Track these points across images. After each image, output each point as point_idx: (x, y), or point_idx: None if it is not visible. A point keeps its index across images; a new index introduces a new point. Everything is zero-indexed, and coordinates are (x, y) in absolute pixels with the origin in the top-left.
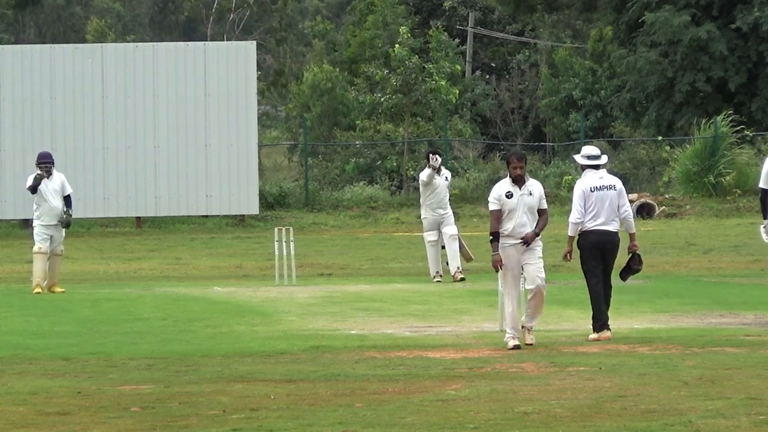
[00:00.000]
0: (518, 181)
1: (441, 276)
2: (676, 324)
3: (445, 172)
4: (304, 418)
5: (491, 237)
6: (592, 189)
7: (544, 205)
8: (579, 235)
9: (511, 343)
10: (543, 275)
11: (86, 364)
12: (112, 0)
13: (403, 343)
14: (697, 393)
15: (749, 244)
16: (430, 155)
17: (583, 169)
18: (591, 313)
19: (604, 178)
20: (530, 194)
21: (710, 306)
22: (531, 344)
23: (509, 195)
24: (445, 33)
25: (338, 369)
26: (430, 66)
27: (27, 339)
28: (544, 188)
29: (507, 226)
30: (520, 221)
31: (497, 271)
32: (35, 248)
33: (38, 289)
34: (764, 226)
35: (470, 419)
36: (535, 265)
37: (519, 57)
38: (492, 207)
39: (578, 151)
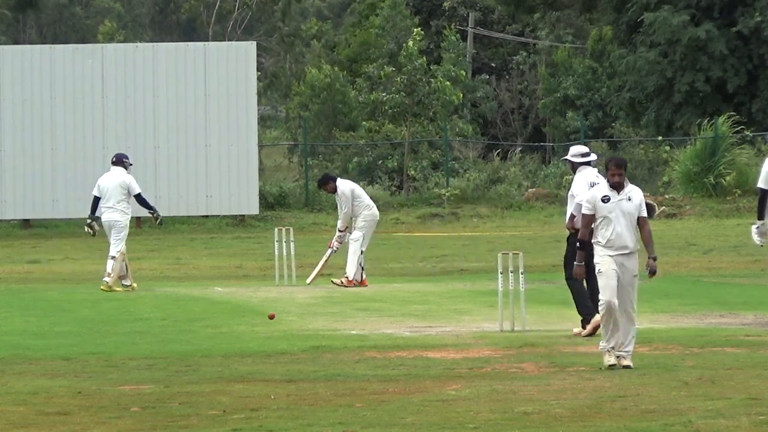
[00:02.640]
0: (616, 188)
1: (344, 282)
2: (676, 324)
3: (338, 192)
4: (304, 418)
5: (579, 244)
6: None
7: (645, 213)
8: (576, 230)
9: (607, 360)
10: (633, 304)
11: (86, 364)
12: (112, 0)
13: (403, 343)
14: (697, 393)
15: (749, 244)
16: (321, 186)
17: (575, 167)
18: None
19: (599, 176)
20: (629, 200)
21: (710, 306)
22: (628, 366)
23: (606, 199)
24: (458, 35)
25: (338, 369)
26: (435, 68)
27: (27, 339)
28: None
29: (604, 235)
30: (618, 231)
31: (578, 280)
32: (123, 248)
33: (119, 288)
34: (757, 227)
35: (470, 419)
36: (626, 290)
37: (518, 57)
38: (584, 211)
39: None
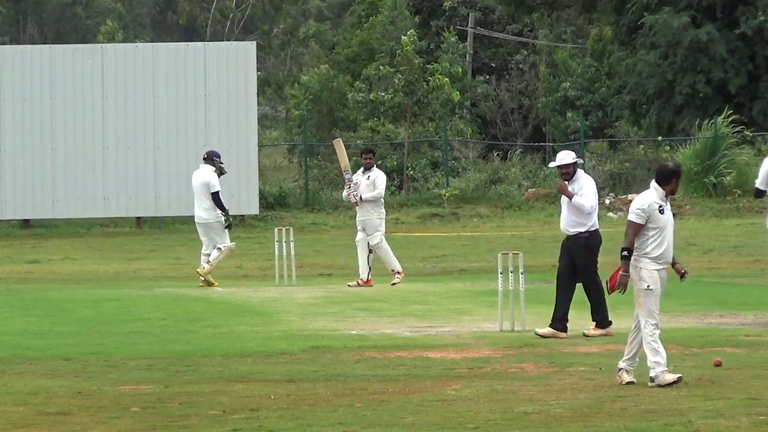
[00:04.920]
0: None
1: (360, 283)
2: (676, 324)
3: (373, 173)
4: (304, 418)
5: (624, 252)
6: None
7: None
8: (590, 234)
9: (670, 377)
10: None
11: (86, 364)
12: (113, 0)
13: (403, 343)
14: (697, 393)
15: (749, 244)
16: (363, 154)
17: (576, 171)
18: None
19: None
20: (670, 210)
21: (710, 306)
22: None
23: (662, 210)
24: (456, 36)
25: (338, 369)
26: (433, 66)
27: (27, 339)
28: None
29: (657, 250)
30: (669, 244)
31: (622, 292)
32: (232, 246)
33: (215, 282)
34: None
35: (470, 419)
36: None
37: (518, 57)
38: (636, 219)
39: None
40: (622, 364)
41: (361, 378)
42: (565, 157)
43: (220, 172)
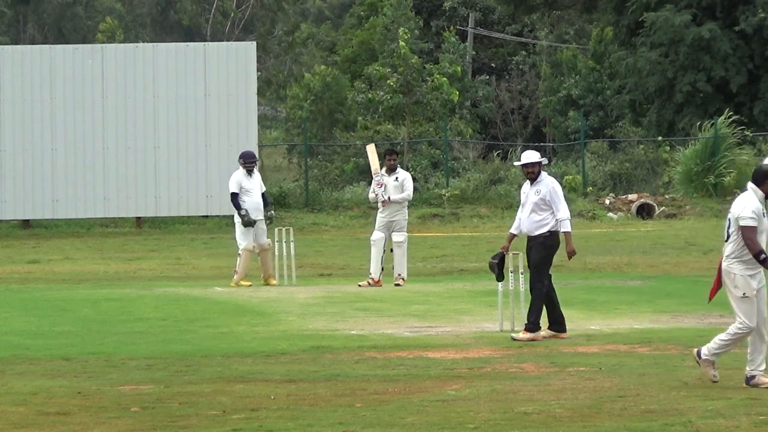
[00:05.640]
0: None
1: (371, 283)
2: (676, 324)
3: (400, 174)
4: (304, 418)
5: (762, 255)
6: None
7: None
8: (550, 234)
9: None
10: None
11: (86, 364)
12: (113, 0)
13: (403, 343)
14: (697, 393)
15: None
16: (387, 155)
17: (540, 171)
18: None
19: None
20: None
21: (710, 306)
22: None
23: (765, 214)
24: (457, 36)
25: (338, 369)
26: (431, 66)
27: (27, 339)
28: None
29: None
30: (765, 247)
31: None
32: (245, 246)
33: (246, 282)
34: None
35: (470, 419)
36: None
37: (517, 58)
38: (753, 223)
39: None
40: (755, 372)
41: (361, 378)
42: (531, 155)
43: (248, 171)
